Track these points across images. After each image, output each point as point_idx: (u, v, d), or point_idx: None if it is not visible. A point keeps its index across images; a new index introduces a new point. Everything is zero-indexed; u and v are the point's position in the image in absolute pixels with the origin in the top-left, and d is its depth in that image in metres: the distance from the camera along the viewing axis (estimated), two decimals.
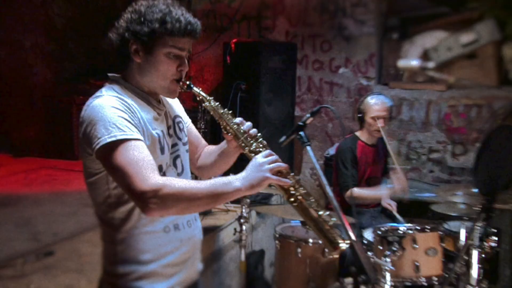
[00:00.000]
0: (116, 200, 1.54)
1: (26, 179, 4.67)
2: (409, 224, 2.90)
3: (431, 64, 2.66)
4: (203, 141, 1.93)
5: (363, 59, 4.83)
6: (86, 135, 1.49)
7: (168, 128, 1.69)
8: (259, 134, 1.67)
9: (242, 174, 1.50)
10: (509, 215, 3.80)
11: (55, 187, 4.41)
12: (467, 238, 2.79)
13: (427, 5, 4.79)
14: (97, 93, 1.57)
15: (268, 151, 1.57)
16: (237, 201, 3.45)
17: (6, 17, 5.94)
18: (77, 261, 2.68)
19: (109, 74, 1.65)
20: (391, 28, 4.97)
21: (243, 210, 3.05)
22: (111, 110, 1.48)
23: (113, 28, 1.61)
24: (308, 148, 1.61)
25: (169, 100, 1.75)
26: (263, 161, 1.51)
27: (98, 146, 1.44)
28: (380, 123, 3.35)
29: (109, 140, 1.43)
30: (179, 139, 1.72)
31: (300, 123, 1.66)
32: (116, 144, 1.43)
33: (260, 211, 3.82)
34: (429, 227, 2.85)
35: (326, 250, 2.86)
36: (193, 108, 3.99)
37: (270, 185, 1.55)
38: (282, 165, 1.53)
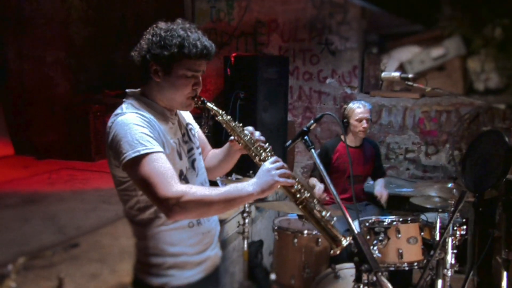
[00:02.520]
0: (144, 204, 1.55)
1: (50, 179, 4.62)
2: (393, 216, 2.90)
3: (411, 75, 2.68)
4: (209, 145, 1.93)
5: (347, 70, 4.84)
6: (113, 150, 1.49)
7: (183, 135, 1.69)
8: (267, 144, 1.67)
9: (253, 180, 1.50)
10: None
11: (75, 185, 4.37)
12: (443, 227, 2.79)
13: (403, 23, 4.81)
14: (119, 110, 1.56)
15: (275, 158, 1.57)
16: None
17: (31, 35, 5.90)
18: (99, 252, 2.65)
19: (128, 90, 1.63)
20: (371, 44, 4.98)
21: (246, 205, 3.03)
22: (134, 127, 1.47)
23: (135, 47, 1.59)
24: (313, 151, 1.60)
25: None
26: (271, 166, 1.51)
27: (124, 161, 1.44)
28: (364, 124, 3.38)
29: (133, 155, 1.43)
30: (193, 144, 1.73)
31: (305, 129, 1.65)
32: (140, 158, 1.43)
33: (259, 206, 3.80)
34: (410, 219, 2.85)
35: (314, 232, 2.89)
36: (197, 114, 3.97)
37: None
38: (287, 171, 1.53)
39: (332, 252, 1.46)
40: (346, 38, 4.80)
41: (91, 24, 5.91)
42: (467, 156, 2.24)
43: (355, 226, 2.77)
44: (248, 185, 1.49)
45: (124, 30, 6.18)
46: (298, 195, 1.52)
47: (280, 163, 1.53)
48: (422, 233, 2.88)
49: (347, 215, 1.42)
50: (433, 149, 4.69)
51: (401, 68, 4.73)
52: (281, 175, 1.50)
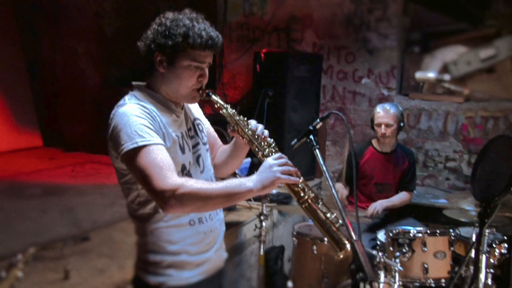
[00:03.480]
0: (145, 199, 1.58)
1: (73, 172, 4.82)
2: (420, 228, 2.82)
3: (447, 76, 2.59)
4: (219, 142, 1.94)
5: (385, 70, 4.75)
6: (112, 140, 1.53)
7: (189, 130, 1.70)
8: (272, 140, 1.67)
9: (254, 176, 1.51)
10: None
11: (98, 179, 4.54)
12: (474, 243, 2.69)
13: (448, 21, 4.66)
14: (121, 101, 1.59)
15: (279, 154, 1.57)
16: (257, 199, 3.46)
17: (63, 26, 6.17)
18: (110, 247, 2.74)
19: (134, 83, 1.67)
20: (413, 42, 4.86)
21: (264, 208, 3.05)
22: (133, 118, 1.50)
23: (142, 37, 1.62)
24: (317, 151, 1.59)
25: (189, 104, 1.77)
26: (274, 162, 1.51)
27: (122, 152, 1.48)
28: (382, 129, 3.32)
29: (131, 146, 1.46)
30: (200, 139, 1.74)
31: (310, 128, 1.65)
32: (138, 149, 1.46)
33: (283, 210, 3.80)
34: (439, 231, 2.77)
35: (333, 251, 2.81)
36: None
37: (279, 187, 1.55)
38: (292, 168, 1.53)
39: (336, 256, 1.45)
40: (385, 35, 4.71)
41: (124, 16, 6.10)
42: (477, 163, 2.16)
43: (381, 235, 2.72)
44: (248, 181, 1.49)
45: None
46: (301, 194, 1.52)
47: (284, 160, 1.53)
48: (452, 248, 2.80)
49: (347, 221, 1.40)
50: None
51: (445, 69, 4.59)
52: (283, 172, 1.50)
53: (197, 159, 1.70)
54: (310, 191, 1.55)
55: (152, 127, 1.51)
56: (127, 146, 1.47)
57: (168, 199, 1.42)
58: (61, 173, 4.72)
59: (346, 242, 1.47)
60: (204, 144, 1.76)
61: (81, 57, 6.22)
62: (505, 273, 3.35)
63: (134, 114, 1.51)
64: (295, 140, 1.70)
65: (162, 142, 1.52)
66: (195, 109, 1.82)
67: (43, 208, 3.50)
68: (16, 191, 4.03)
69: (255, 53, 4.51)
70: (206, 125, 1.85)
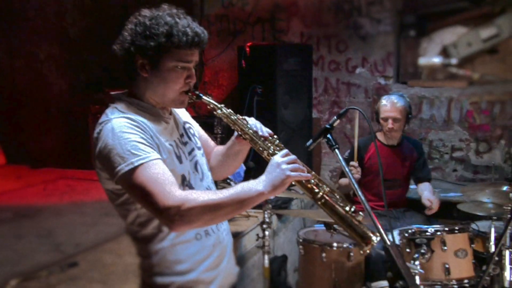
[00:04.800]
0: (146, 218, 1.56)
1: (45, 190, 4.72)
2: (437, 226, 2.85)
3: (453, 61, 2.62)
4: (212, 143, 1.93)
5: (380, 58, 4.79)
6: (102, 163, 1.50)
7: (181, 136, 1.69)
8: (275, 136, 1.68)
9: (263, 177, 1.50)
10: None
11: (74, 197, 4.45)
12: (498, 238, 2.73)
13: (445, 0, 4.73)
14: (104, 117, 1.55)
15: (285, 151, 1.57)
16: (258, 206, 3.45)
17: (21, 29, 6.04)
18: (101, 271, 2.69)
19: (112, 93, 1.62)
20: (408, 26, 4.91)
21: (265, 216, 3.03)
22: (123, 135, 1.47)
23: (117, 40, 1.58)
24: (337, 151, 1.59)
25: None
26: (282, 160, 1.51)
27: (118, 176, 1.45)
28: (389, 124, 3.35)
29: (127, 168, 1.44)
30: (194, 144, 1.73)
31: (328, 126, 1.65)
32: (134, 169, 1.44)
33: (282, 214, 3.79)
34: (457, 228, 2.80)
35: (345, 245, 2.89)
36: (210, 114, 3.99)
37: (290, 188, 1.54)
38: (301, 165, 1.53)
39: (362, 252, 1.45)
40: (378, 20, 4.75)
41: (88, 14, 6.01)
42: None
43: (391, 236, 2.74)
44: (257, 183, 1.48)
45: (126, 20, 6.26)
46: (316, 190, 1.52)
47: (292, 157, 1.53)
48: (472, 245, 2.83)
49: (378, 224, 1.40)
50: (485, 147, 4.60)
51: (444, 52, 4.65)
52: (293, 169, 1.49)
53: (195, 166, 1.69)
54: (324, 185, 1.56)
55: (144, 142, 1.49)
56: (123, 168, 1.44)
57: (174, 216, 1.41)
58: (32, 193, 4.62)
59: (372, 234, 1.47)
60: (199, 149, 1.75)
61: (43, 62, 6.11)
62: None
63: (122, 131, 1.48)
64: (310, 141, 1.70)
65: (158, 156, 1.50)
66: (182, 112, 1.80)
67: (17, 233, 3.42)
68: None
69: (238, 47, 4.49)
70: (195, 127, 1.83)
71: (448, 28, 4.69)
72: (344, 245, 2.95)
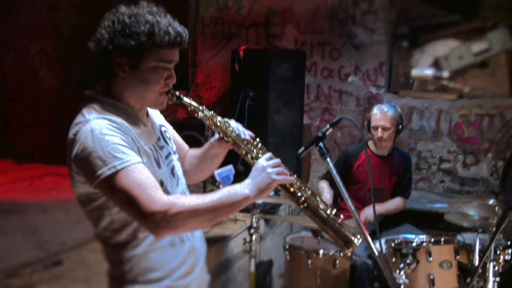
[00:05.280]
0: (121, 224, 1.50)
1: (31, 186, 4.67)
2: (423, 236, 2.87)
3: (445, 74, 2.65)
4: (186, 146, 1.89)
5: (373, 67, 4.83)
6: (79, 166, 1.43)
7: (158, 140, 1.65)
8: (258, 140, 1.68)
9: (248, 181, 1.49)
10: None
11: (61, 194, 4.41)
12: (482, 251, 2.76)
13: (438, 13, 4.78)
14: (80, 118, 1.48)
15: (269, 154, 1.57)
16: (246, 210, 3.45)
17: (12, 24, 5.99)
18: (85, 270, 2.67)
19: (86, 92, 1.56)
20: (402, 37, 4.96)
21: (253, 220, 3.03)
22: (103, 137, 1.41)
23: (92, 37, 1.51)
24: (329, 159, 1.60)
25: (149, 109, 1.68)
26: (267, 164, 1.51)
27: (98, 180, 1.39)
28: (379, 133, 3.38)
29: (109, 172, 1.38)
30: (170, 148, 1.70)
31: (320, 135, 1.66)
32: (116, 174, 1.39)
33: (270, 219, 3.80)
34: (443, 239, 2.82)
35: (331, 253, 2.90)
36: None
37: (279, 193, 1.55)
38: (285, 168, 1.54)
39: (342, 254, 1.47)
40: (372, 30, 4.79)
41: (82, 11, 5.98)
42: (508, 167, 2.22)
43: (379, 246, 2.76)
44: (243, 188, 1.47)
45: None
46: (299, 194, 1.53)
47: (277, 160, 1.53)
48: (457, 257, 2.86)
49: (366, 233, 1.41)
50: (472, 159, 4.65)
51: (436, 64, 4.70)
52: (278, 173, 1.49)
53: (172, 170, 1.65)
54: (306, 189, 1.57)
55: (126, 144, 1.44)
56: (104, 172, 1.38)
57: (159, 221, 1.37)
58: (17, 188, 4.57)
59: (353, 237, 1.49)
60: (175, 153, 1.72)
61: (34, 57, 6.06)
62: (506, 280, 3.46)
63: (103, 133, 1.42)
64: (302, 148, 1.71)
65: (140, 159, 1.45)
66: (156, 115, 1.74)
67: (2, 229, 3.37)
68: None
69: (232, 51, 4.50)
70: (170, 130, 1.79)
71: (440, 41, 4.74)
72: (330, 253, 2.96)
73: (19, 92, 6.09)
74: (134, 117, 1.55)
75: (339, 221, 1.54)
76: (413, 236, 2.89)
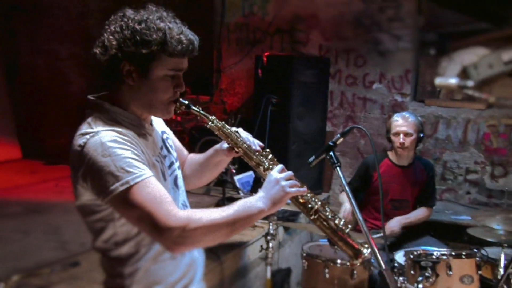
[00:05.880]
0: (124, 237, 1.47)
1: (57, 187, 4.77)
2: (444, 249, 2.80)
3: (470, 83, 2.56)
4: (185, 151, 1.86)
5: (398, 75, 4.76)
6: (89, 180, 1.39)
7: (161, 149, 1.61)
8: (268, 150, 1.67)
9: (261, 194, 1.49)
10: None
11: None
12: (506, 265, 2.67)
13: (468, 20, 4.67)
14: (87, 128, 1.43)
15: (281, 166, 1.56)
16: (264, 217, 3.44)
17: (44, 28, 6.16)
18: (103, 272, 2.69)
19: (90, 97, 1.51)
20: (429, 44, 4.85)
21: (270, 227, 3.02)
22: (114, 151, 1.36)
23: (97, 42, 1.49)
24: (338, 169, 1.59)
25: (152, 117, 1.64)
26: (280, 176, 1.51)
27: (110, 196, 1.35)
28: (401, 139, 3.31)
29: (122, 188, 1.34)
30: (173, 157, 1.66)
31: (330, 143, 1.65)
32: (130, 189, 1.35)
33: (289, 227, 3.77)
34: (465, 253, 2.74)
35: (348, 263, 2.83)
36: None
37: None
38: (296, 180, 1.54)
39: (349, 264, 1.46)
40: (398, 37, 4.72)
41: (111, 16, 6.11)
42: None
43: (399, 257, 2.69)
44: (257, 201, 1.47)
45: None
46: (309, 205, 1.54)
47: (289, 172, 1.53)
48: (480, 272, 2.77)
49: (373, 245, 1.39)
50: (500, 171, 4.52)
51: (464, 73, 4.59)
52: (291, 186, 1.50)
53: (175, 181, 1.63)
54: (316, 200, 1.57)
55: (138, 158, 1.40)
56: (117, 188, 1.34)
57: (177, 238, 1.34)
58: (44, 189, 4.68)
59: (362, 247, 1.49)
60: (176, 160, 1.68)
61: (65, 61, 6.22)
62: None
63: (113, 146, 1.37)
64: (313, 157, 1.70)
65: (151, 173, 1.41)
66: (157, 120, 1.69)
67: (25, 229, 3.45)
68: None
69: (256, 57, 4.52)
70: (170, 136, 1.74)
71: (469, 49, 4.63)
72: (348, 262, 2.91)
73: (49, 94, 6.24)
74: (140, 128, 1.51)
75: (347, 231, 1.54)
76: (433, 248, 2.82)
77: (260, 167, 1.61)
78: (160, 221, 1.34)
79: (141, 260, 1.49)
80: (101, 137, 1.38)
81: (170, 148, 1.66)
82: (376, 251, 1.42)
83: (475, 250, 2.85)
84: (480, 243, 3.16)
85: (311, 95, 4.44)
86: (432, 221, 3.80)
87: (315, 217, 1.55)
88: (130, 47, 1.41)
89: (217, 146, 1.75)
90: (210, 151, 1.77)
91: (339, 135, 1.70)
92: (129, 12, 1.46)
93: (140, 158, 1.41)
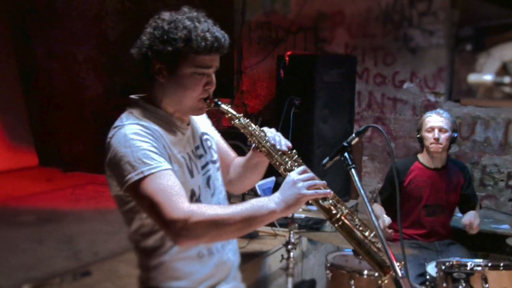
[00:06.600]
0: (149, 229, 1.58)
1: (73, 195, 4.88)
2: (479, 260, 2.73)
3: (507, 79, 2.51)
4: (232, 154, 1.93)
5: (431, 73, 4.68)
6: (112, 170, 1.54)
7: (196, 148, 1.70)
8: (294, 151, 1.68)
9: (276, 194, 1.51)
10: None
11: (100, 203, 4.57)
12: None
13: (506, 13, 4.58)
14: (118, 122, 1.59)
15: (303, 168, 1.57)
16: (286, 225, 3.43)
17: (60, 30, 6.30)
18: (115, 282, 2.74)
19: (130, 96, 1.67)
20: (464, 39, 4.79)
21: (291, 236, 3.01)
22: (135, 142, 1.50)
23: (135, 43, 1.62)
24: (353, 171, 1.57)
25: (195, 117, 1.76)
26: (298, 178, 1.51)
27: (127, 185, 1.48)
28: (436, 134, 3.25)
29: (136, 178, 1.47)
30: (209, 158, 1.74)
31: (345, 144, 1.64)
32: (144, 179, 1.47)
33: (312, 238, 3.75)
34: (502, 264, 2.66)
35: (376, 274, 2.77)
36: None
37: (308, 204, 1.54)
38: (319, 182, 1.53)
39: (380, 281, 1.43)
40: (430, 32, 4.65)
41: (128, 17, 6.21)
42: None
43: (431, 268, 2.64)
44: (270, 201, 1.49)
45: None
46: (334, 212, 1.52)
47: (310, 174, 1.53)
48: None
49: (390, 253, 1.37)
50: None
51: (504, 69, 4.50)
52: (309, 187, 1.49)
53: (207, 181, 1.70)
54: (343, 207, 1.55)
55: (156, 151, 1.51)
56: (132, 177, 1.47)
57: (180, 230, 1.43)
58: (59, 197, 4.79)
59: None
60: (214, 162, 1.76)
61: (81, 64, 6.35)
62: None
63: (134, 138, 1.50)
64: (327, 158, 1.69)
65: (169, 166, 1.52)
66: (202, 122, 1.81)
67: (38, 238, 3.54)
68: (7, 218, 4.09)
69: (278, 56, 4.52)
70: (215, 138, 1.85)
71: (509, 43, 4.54)
72: (376, 274, 2.87)
73: (66, 99, 6.38)
74: (172, 125, 1.62)
75: (378, 245, 1.50)
76: (467, 259, 2.75)
77: (281, 166, 1.63)
78: (165, 213, 1.43)
79: (166, 254, 1.60)
80: (125, 130, 1.53)
81: (208, 149, 1.75)
82: (393, 258, 1.39)
83: None
84: None
85: (336, 96, 4.42)
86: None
87: (339, 224, 1.52)
88: (159, 46, 1.54)
89: (254, 146, 1.79)
90: (250, 152, 1.82)
91: (354, 135, 1.68)
92: (164, 14, 1.59)
93: (160, 152, 1.52)
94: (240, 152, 2.68)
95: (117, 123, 1.59)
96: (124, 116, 1.60)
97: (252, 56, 5.29)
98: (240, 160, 1.90)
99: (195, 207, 1.47)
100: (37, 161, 6.24)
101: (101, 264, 2.98)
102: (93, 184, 5.29)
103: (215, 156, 1.78)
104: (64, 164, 6.12)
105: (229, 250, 1.72)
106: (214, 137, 1.84)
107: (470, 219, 3.23)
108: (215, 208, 1.50)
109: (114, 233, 3.62)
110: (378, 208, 3.38)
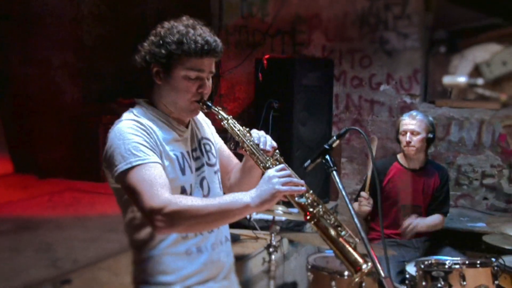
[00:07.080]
0: (140, 222, 1.67)
1: (50, 202, 4.79)
2: (457, 258, 2.78)
3: (480, 81, 2.55)
4: (234, 161, 1.98)
5: (406, 75, 4.75)
6: (106, 161, 1.65)
7: (193, 150, 1.78)
8: (277, 151, 1.73)
9: (253, 190, 1.57)
10: None
11: (78, 210, 4.51)
12: None
13: (479, 16, 4.67)
14: (121, 118, 1.71)
15: (282, 166, 1.62)
16: (267, 228, 3.44)
17: (35, 35, 6.19)
18: None
19: (136, 99, 1.79)
20: (438, 42, 4.87)
21: (273, 238, 3.01)
22: (127, 136, 1.61)
23: (138, 50, 1.73)
24: (334, 173, 1.59)
25: (200, 122, 1.86)
26: (274, 174, 1.56)
27: (116, 174, 1.59)
28: (407, 137, 3.30)
29: (125, 167, 1.57)
30: (205, 160, 1.81)
31: (326, 146, 1.65)
32: (131, 169, 1.57)
33: (294, 239, 3.76)
34: (479, 262, 2.72)
35: (348, 272, 2.83)
36: (223, 128, 4.02)
37: (284, 201, 1.57)
38: (296, 180, 1.56)
39: (356, 280, 1.45)
40: (405, 35, 4.73)
41: (105, 22, 6.16)
42: None
43: (410, 268, 2.67)
44: (246, 195, 1.55)
45: (143, 29, 6.36)
46: (310, 209, 1.55)
47: (287, 171, 1.57)
48: (496, 281, 2.74)
49: (372, 253, 1.38)
50: None
51: (476, 71, 4.59)
52: (284, 184, 1.53)
53: (201, 181, 1.77)
54: (320, 206, 1.59)
55: (147, 145, 1.62)
56: (121, 167, 1.58)
57: (156, 217, 1.51)
58: (36, 204, 4.69)
59: (362, 262, 1.49)
60: (211, 165, 1.82)
61: (57, 69, 6.25)
62: None
63: (128, 132, 1.62)
64: (309, 161, 1.71)
65: (158, 160, 1.61)
66: (205, 127, 1.89)
67: (15, 247, 3.46)
68: None
69: (256, 60, 4.53)
70: (218, 144, 1.92)
71: (481, 46, 4.62)
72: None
73: (41, 105, 6.26)
74: (168, 124, 1.73)
75: (353, 244, 1.53)
76: (446, 257, 2.80)
77: (261, 164, 1.67)
78: (144, 201, 1.52)
79: (155, 248, 1.67)
80: (121, 125, 1.66)
81: (206, 153, 1.83)
82: (375, 258, 1.41)
83: (493, 259, 2.82)
84: (499, 252, 3.14)
85: (314, 99, 4.45)
86: (447, 229, 3.77)
87: (314, 222, 1.55)
88: (155, 49, 1.66)
89: (240, 146, 1.84)
90: (244, 157, 1.86)
91: (335, 137, 1.71)
92: (166, 23, 1.70)
93: (151, 146, 1.62)
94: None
95: (118, 119, 1.70)
96: (126, 113, 1.72)
97: (230, 59, 5.29)
98: (239, 165, 1.95)
99: (173, 197, 1.54)
100: (12, 168, 6.11)
101: (81, 272, 2.93)
102: (70, 190, 5.21)
103: (213, 160, 1.84)
104: (40, 171, 6.00)
105: (221, 251, 1.77)
106: (217, 143, 1.91)
107: (411, 221, 3.27)
108: (192, 199, 1.58)
109: (93, 240, 3.58)
110: (356, 206, 3.42)
